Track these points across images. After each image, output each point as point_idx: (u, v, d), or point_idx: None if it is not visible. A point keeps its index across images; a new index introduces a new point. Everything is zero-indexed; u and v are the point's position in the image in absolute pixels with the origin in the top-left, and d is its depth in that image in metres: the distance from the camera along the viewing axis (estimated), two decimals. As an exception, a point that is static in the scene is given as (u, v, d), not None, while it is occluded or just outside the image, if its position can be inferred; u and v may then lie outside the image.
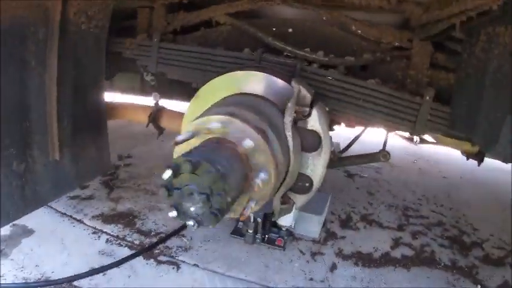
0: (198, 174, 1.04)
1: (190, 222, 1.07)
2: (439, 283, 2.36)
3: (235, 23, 2.09)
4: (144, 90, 2.67)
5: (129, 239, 2.47)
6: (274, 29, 2.10)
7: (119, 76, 2.60)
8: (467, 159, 2.73)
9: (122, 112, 2.37)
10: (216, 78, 1.64)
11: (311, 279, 2.32)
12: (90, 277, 2.05)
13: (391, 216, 3.15)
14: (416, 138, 5.54)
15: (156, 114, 2.33)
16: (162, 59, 2.09)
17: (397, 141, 5.45)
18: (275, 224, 2.63)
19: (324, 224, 2.88)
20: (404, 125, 1.88)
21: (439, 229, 3.00)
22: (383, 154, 2.49)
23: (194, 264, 2.31)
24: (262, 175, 1.23)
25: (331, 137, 1.70)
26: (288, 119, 1.47)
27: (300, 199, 1.76)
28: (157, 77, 2.26)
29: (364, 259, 2.55)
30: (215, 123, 1.25)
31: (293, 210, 2.53)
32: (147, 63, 2.11)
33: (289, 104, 1.50)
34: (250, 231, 2.54)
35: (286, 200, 1.79)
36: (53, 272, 2.11)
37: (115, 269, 2.15)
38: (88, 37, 1.84)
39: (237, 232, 2.65)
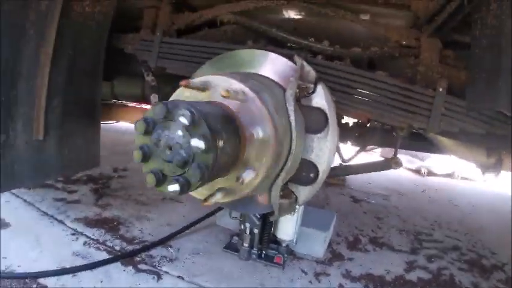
0: (190, 128, 0.86)
1: (150, 177, 0.86)
2: (462, 307, 2.07)
3: (239, 19, 2.03)
4: (145, 97, 2.58)
5: (109, 244, 2.18)
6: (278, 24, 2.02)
7: (118, 81, 2.53)
8: (483, 173, 2.55)
9: (118, 112, 2.26)
10: (216, 57, 1.55)
11: (315, 300, 2.05)
12: (57, 276, 1.79)
13: (402, 240, 2.87)
14: (424, 170, 5.38)
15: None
16: (163, 53, 2.01)
17: (404, 173, 5.29)
18: (274, 240, 2.34)
19: (329, 245, 2.63)
20: (417, 120, 1.65)
21: (455, 253, 2.69)
22: (395, 161, 2.29)
23: (178, 276, 2.00)
24: (259, 138, 1.04)
25: (337, 118, 1.52)
26: (290, 92, 1.26)
27: (303, 192, 1.48)
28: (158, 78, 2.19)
29: (375, 281, 2.24)
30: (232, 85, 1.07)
31: (295, 220, 2.32)
32: (147, 58, 2.04)
33: (292, 78, 1.35)
34: (246, 245, 2.24)
35: (287, 194, 1.56)
36: (19, 266, 1.86)
37: (88, 272, 1.88)
38: (91, 21, 1.77)
39: (231, 247, 2.35)
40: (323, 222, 2.59)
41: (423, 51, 1.86)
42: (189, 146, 0.86)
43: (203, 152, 0.85)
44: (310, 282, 2.17)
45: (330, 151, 1.40)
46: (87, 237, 2.24)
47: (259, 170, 1.08)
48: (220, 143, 0.90)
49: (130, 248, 2.20)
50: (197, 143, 0.84)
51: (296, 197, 1.52)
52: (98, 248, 2.16)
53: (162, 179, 0.88)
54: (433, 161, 5.61)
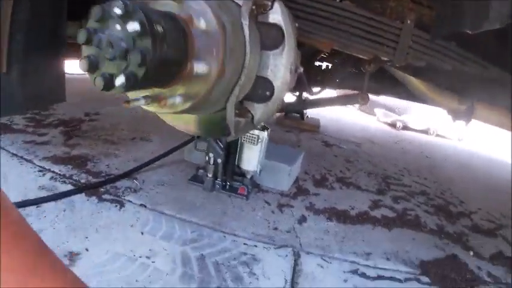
0: (125, 17, 0.80)
1: (98, 81, 0.81)
2: (426, 246, 1.99)
3: None
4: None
5: (75, 178, 2.05)
6: None
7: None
8: (454, 120, 2.43)
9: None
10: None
11: (275, 228, 1.91)
12: (21, 208, 1.66)
13: (370, 181, 2.79)
14: (399, 124, 5.36)
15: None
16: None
17: (380, 126, 5.23)
18: (239, 173, 2.24)
19: (296, 182, 2.50)
20: (384, 51, 1.58)
21: (422, 197, 2.65)
22: (362, 96, 2.14)
23: (141, 205, 1.90)
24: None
25: (295, 35, 1.38)
26: (245, 8, 1.16)
27: (259, 110, 1.38)
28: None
29: (339, 215, 2.16)
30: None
31: (258, 150, 2.17)
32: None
33: (247, -10, 1.19)
34: (210, 175, 2.16)
35: (243, 112, 1.41)
36: (-18, 199, 1.64)
37: (51, 203, 1.76)
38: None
39: (197, 179, 2.25)
40: (290, 157, 2.50)
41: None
42: (127, 34, 0.81)
43: (140, 36, 0.80)
44: (273, 212, 2.07)
45: (286, 68, 1.31)
46: (54, 172, 2.09)
47: (212, 63, 0.99)
48: (159, 28, 0.85)
49: (95, 181, 2.06)
50: (133, 26, 0.79)
51: (252, 116, 1.39)
52: (64, 182, 2.02)
53: (109, 80, 0.83)
54: (409, 116, 5.60)
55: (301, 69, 1.59)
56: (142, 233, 1.68)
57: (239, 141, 2.18)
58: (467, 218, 2.48)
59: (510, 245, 2.19)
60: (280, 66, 1.30)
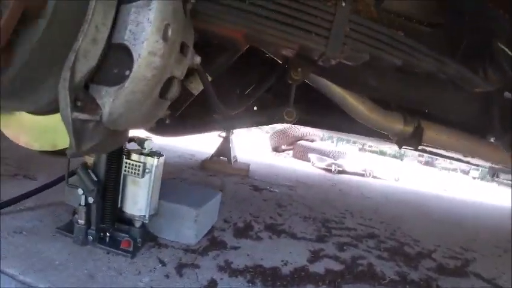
0: None
1: None
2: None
3: None
4: None
5: None
6: None
7: None
8: (400, 147, 2.04)
9: None
10: None
11: (166, 304, 1.21)
12: None
13: (307, 227, 2.20)
14: (334, 167, 5.03)
15: None
16: None
17: (314, 170, 4.87)
18: (126, 219, 1.55)
19: (210, 232, 1.84)
20: (312, 40, 1.11)
21: (372, 241, 2.11)
22: (287, 111, 1.63)
23: None
24: None
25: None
26: None
27: (108, 98, 0.82)
28: None
29: (266, 275, 1.50)
30: None
31: (146, 185, 1.52)
32: None
33: None
34: (81, 221, 1.46)
35: (88, 104, 0.83)
36: None
37: None
38: None
39: (68, 227, 1.53)
40: (199, 199, 1.85)
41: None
42: None
43: None
44: (167, 276, 1.38)
45: (155, 28, 0.80)
46: None
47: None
48: None
49: None
50: None
51: (100, 110, 0.84)
52: None
53: None
54: (345, 160, 5.47)
55: (198, 58, 1.06)
56: None
57: (121, 170, 1.52)
58: (428, 259, 1.99)
59: (485, 282, 1.74)
60: (145, 25, 0.79)
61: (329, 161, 5.08)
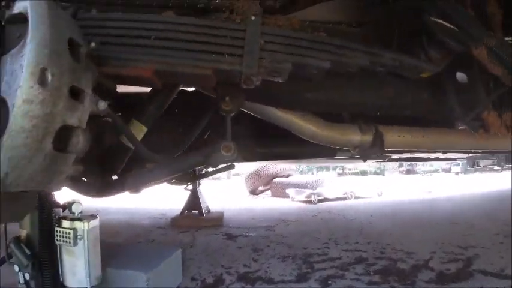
0: None
1: None
2: None
3: None
4: None
5: None
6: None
7: None
8: (365, 160, 1.88)
9: None
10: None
11: None
12: None
13: (286, 268, 1.93)
14: (314, 197, 4.82)
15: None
16: None
17: (295, 205, 4.65)
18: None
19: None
20: (225, 61, 0.99)
21: (360, 266, 1.86)
22: (224, 146, 1.38)
23: None
24: None
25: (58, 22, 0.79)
26: None
27: None
28: None
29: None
30: None
31: (82, 255, 1.30)
32: None
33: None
34: None
35: None
36: None
37: None
38: None
39: None
40: (152, 260, 1.57)
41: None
42: None
43: None
44: None
45: (28, 73, 0.71)
46: None
47: None
48: None
49: None
50: None
51: None
52: None
53: None
54: (323, 188, 5.30)
55: (102, 104, 0.91)
56: None
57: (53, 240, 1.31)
58: (426, 270, 1.79)
59: (494, 277, 1.53)
60: (17, 72, 0.73)
61: (307, 192, 4.89)
